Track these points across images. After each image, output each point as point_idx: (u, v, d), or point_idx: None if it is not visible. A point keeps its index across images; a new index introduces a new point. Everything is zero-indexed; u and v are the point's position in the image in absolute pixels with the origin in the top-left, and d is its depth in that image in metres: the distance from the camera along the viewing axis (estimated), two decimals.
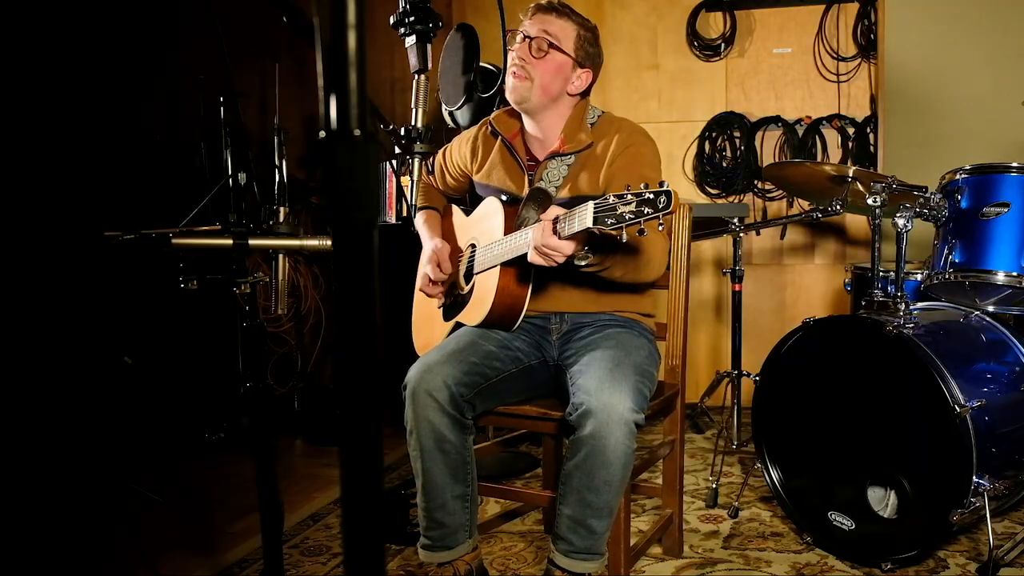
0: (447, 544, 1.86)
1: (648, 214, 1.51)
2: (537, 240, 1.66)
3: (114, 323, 3.34)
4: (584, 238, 1.66)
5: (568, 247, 1.65)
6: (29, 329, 2.44)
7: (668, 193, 1.51)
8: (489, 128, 2.10)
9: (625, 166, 1.91)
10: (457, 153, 2.18)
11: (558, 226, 1.63)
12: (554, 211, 1.66)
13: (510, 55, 1.93)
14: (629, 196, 1.52)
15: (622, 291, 1.98)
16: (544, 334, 2.02)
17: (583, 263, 1.70)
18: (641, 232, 1.55)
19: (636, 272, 1.84)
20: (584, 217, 1.56)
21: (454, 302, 2.08)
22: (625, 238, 1.55)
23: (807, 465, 2.27)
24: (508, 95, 1.97)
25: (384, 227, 3.00)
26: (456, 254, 2.13)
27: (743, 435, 3.04)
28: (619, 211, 1.52)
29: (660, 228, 1.56)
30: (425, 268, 2.10)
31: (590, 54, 1.97)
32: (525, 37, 1.93)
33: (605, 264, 1.77)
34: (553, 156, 1.98)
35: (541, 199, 1.90)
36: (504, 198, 1.98)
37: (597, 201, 1.55)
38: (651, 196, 1.52)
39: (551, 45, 1.92)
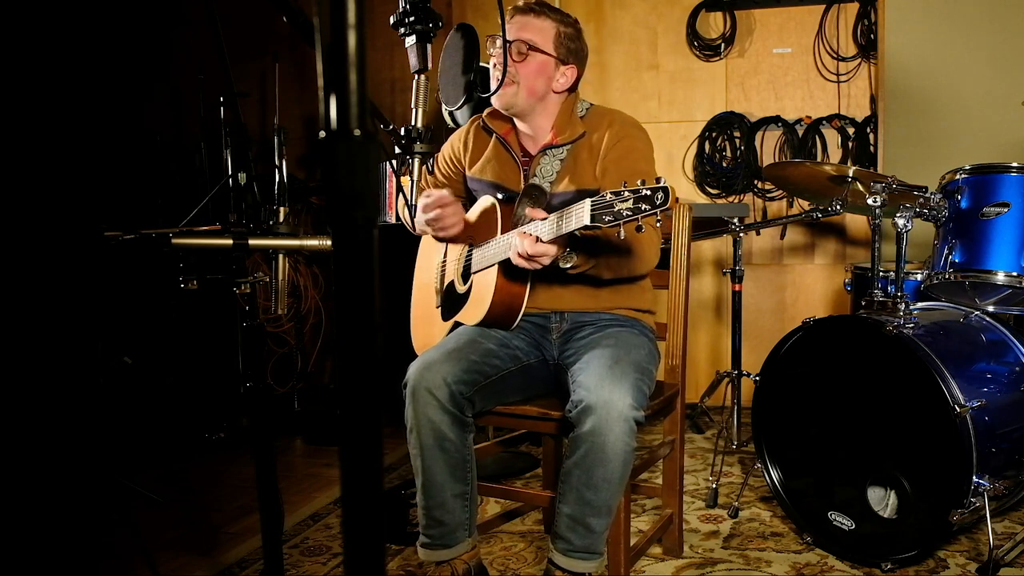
0: (446, 542, 1.86)
1: (646, 211, 1.52)
2: (521, 248, 1.68)
3: (114, 323, 3.35)
4: (564, 240, 1.67)
5: (552, 249, 1.67)
6: (29, 329, 2.44)
7: (665, 189, 1.52)
8: (481, 124, 2.10)
9: (618, 159, 1.92)
10: (450, 149, 2.18)
11: (554, 226, 1.64)
12: (550, 218, 1.66)
13: (491, 61, 1.92)
14: (626, 193, 1.53)
15: (619, 285, 1.99)
16: (544, 333, 2.02)
17: (567, 265, 1.73)
18: (639, 229, 1.56)
19: (627, 270, 1.88)
20: (581, 215, 1.57)
21: (452, 302, 2.08)
22: (623, 235, 1.55)
23: (807, 465, 2.27)
24: (495, 102, 1.97)
25: (384, 227, 2.99)
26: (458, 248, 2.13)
27: (743, 435, 3.04)
28: (616, 208, 1.53)
29: (658, 224, 1.56)
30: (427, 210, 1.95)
31: (572, 50, 1.96)
32: (505, 42, 1.91)
33: (590, 264, 1.79)
34: (546, 149, 1.98)
35: (536, 196, 1.91)
36: (500, 196, 1.98)
37: (594, 199, 1.55)
38: (648, 192, 1.52)
39: (530, 47, 1.91)
